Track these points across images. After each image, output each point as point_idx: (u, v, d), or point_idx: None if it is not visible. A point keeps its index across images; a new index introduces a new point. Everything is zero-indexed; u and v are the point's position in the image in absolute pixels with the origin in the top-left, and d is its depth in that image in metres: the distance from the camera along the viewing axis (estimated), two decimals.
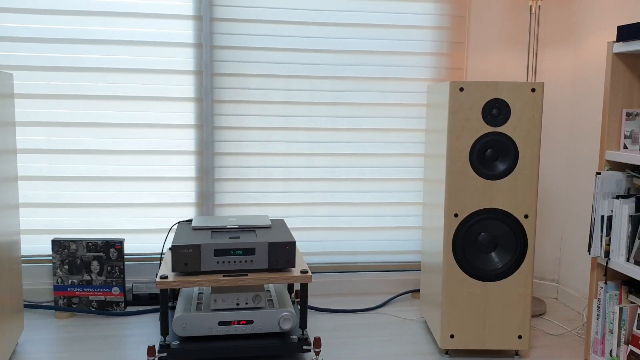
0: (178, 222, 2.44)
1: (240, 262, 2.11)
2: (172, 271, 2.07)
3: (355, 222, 2.91)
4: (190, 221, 2.46)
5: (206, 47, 2.69)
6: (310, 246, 2.90)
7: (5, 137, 2.22)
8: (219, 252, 2.09)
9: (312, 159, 2.85)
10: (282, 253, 2.12)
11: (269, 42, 2.75)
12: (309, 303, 2.78)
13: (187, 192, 2.78)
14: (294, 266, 2.14)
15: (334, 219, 2.89)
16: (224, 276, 2.08)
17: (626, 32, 2.01)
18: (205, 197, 2.77)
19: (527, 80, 2.60)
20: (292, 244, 2.12)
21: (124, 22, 2.64)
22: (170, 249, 2.25)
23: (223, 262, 2.10)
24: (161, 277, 2.05)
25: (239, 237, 2.17)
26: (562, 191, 2.90)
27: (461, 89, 2.11)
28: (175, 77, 2.71)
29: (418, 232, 2.95)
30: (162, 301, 2.07)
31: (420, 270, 2.95)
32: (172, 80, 2.71)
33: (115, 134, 2.70)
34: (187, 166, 2.76)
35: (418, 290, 2.92)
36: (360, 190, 2.89)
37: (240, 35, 2.73)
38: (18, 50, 2.60)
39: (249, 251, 2.11)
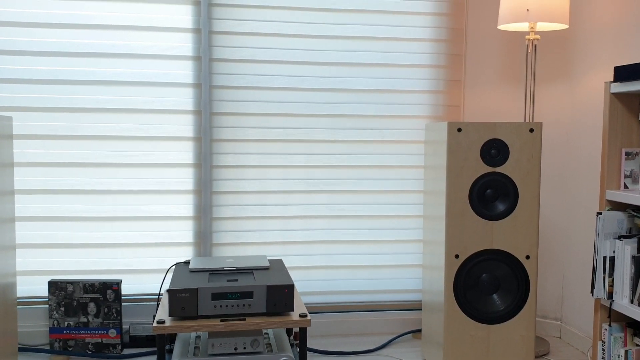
0: (176, 264, 2.41)
1: (238, 305, 2.08)
2: (169, 315, 2.04)
3: (355, 260, 2.88)
4: (187, 262, 2.44)
5: (205, 86, 2.70)
6: (309, 285, 2.86)
7: (3, 178, 2.21)
8: (216, 296, 2.06)
9: (311, 197, 2.83)
10: (280, 296, 2.09)
11: (267, 82, 2.76)
12: (308, 344, 2.73)
13: (185, 232, 2.76)
14: (292, 309, 2.11)
15: (333, 257, 2.87)
16: (221, 320, 2.05)
17: (623, 73, 2.02)
18: (203, 237, 2.75)
19: (525, 118, 2.60)
20: (291, 287, 2.09)
21: (123, 62, 2.66)
22: (167, 291, 2.22)
23: (221, 306, 2.07)
24: (158, 322, 2.02)
25: (236, 280, 2.14)
26: (562, 229, 2.88)
27: (459, 130, 2.11)
28: (174, 117, 2.71)
29: (418, 270, 2.92)
30: (159, 346, 2.03)
31: (421, 310, 2.91)
32: (171, 120, 2.71)
33: (113, 174, 2.69)
34: (185, 205, 2.75)
35: (419, 331, 2.87)
36: (359, 227, 2.87)
37: (239, 75, 2.74)
38: (16, 92, 2.60)
39: (247, 295, 2.08)
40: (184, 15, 2.68)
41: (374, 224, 2.88)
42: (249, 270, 2.28)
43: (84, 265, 2.71)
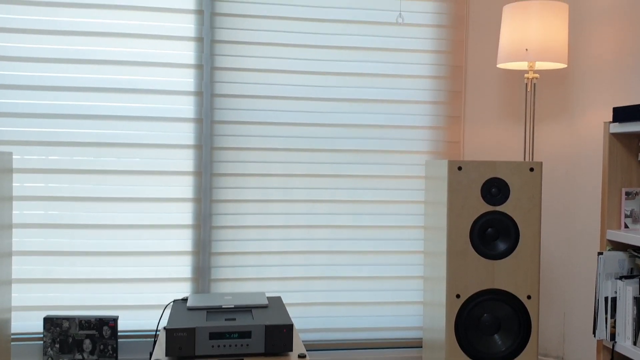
0: (173, 301, 2.39)
1: (236, 345, 2.05)
2: (166, 355, 2.01)
3: (355, 296, 2.85)
4: (185, 299, 2.41)
5: (206, 121, 2.71)
6: (308, 322, 2.83)
7: (1, 212, 2.20)
8: (214, 336, 2.03)
9: (311, 232, 2.82)
10: (279, 336, 2.06)
11: (268, 117, 2.77)
12: None
13: (184, 267, 2.74)
14: (291, 350, 2.08)
15: (333, 293, 2.84)
16: None
17: (622, 114, 2.03)
18: (202, 272, 2.73)
19: (524, 156, 2.60)
20: (290, 327, 2.07)
21: (124, 97, 2.67)
22: (164, 329, 2.20)
23: (218, 346, 2.04)
24: None
25: (234, 319, 2.12)
26: (564, 267, 2.86)
27: (459, 168, 2.11)
28: (174, 151, 2.71)
29: (419, 307, 2.89)
30: None
31: (421, 347, 2.87)
32: (171, 154, 2.71)
33: (112, 208, 2.68)
34: (184, 240, 2.73)
35: None
36: (359, 263, 2.85)
37: (240, 110, 2.75)
38: (16, 126, 2.61)
39: (245, 334, 2.05)
40: (186, 51, 2.70)
41: (374, 260, 2.86)
42: (247, 309, 2.25)
43: (81, 300, 2.68)
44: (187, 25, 2.70)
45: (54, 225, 2.65)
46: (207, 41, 2.70)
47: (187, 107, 2.71)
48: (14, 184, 2.62)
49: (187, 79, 2.71)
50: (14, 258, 2.63)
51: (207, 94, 2.71)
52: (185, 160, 2.73)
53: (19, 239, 2.64)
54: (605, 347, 2.11)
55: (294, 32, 2.78)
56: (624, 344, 2.02)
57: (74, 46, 2.64)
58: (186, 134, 2.72)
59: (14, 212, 2.62)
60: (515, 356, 2.15)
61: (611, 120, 2.10)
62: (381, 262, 2.86)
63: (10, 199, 2.38)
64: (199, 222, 2.74)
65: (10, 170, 2.34)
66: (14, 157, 2.61)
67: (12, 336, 2.62)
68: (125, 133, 2.68)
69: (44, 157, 2.64)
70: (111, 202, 2.69)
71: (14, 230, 2.63)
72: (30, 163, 2.63)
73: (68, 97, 2.64)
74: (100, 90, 2.66)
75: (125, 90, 2.67)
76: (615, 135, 2.10)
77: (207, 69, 2.71)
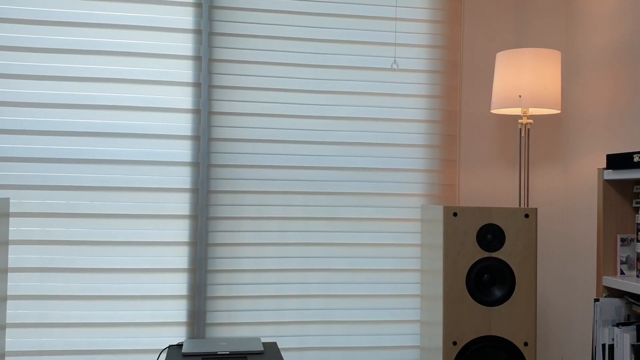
0: (169, 346, 2.37)
1: None
2: None
3: (351, 341, 2.83)
4: (180, 345, 2.39)
5: (203, 165, 2.73)
6: None
7: None
8: None
9: (307, 275, 2.81)
10: None
11: (264, 160, 2.79)
12: None
13: (178, 311, 2.72)
14: None
15: (329, 338, 2.82)
16: None
17: (615, 161, 2.06)
18: (197, 316, 2.71)
19: (519, 201, 2.62)
20: None
21: (119, 141, 2.69)
22: None
23: None
24: None
25: None
26: (560, 313, 2.85)
27: (455, 214, 2.13)
28: (170, 195, 2.72)
29: (416, 351, 2.86)
30: None
31: None
32: (167, 199, 2.72)
33: (108, 252, 2.68)
34: (179, 284, 2.72)
35: None
36: (355, 307, 2.83)
37: (236, 154, 2.77)
38: (13, 170, 2.62)
39: None
40: (185, 96, 2.74)
41: (370, 304, 2.85)
42: (242, 355, 2.24)
43: (76, 345, 2.65)
44: (186, 71, 2.74)
45: (49, 269, 2.64)
46: (205, 61, 2.74)
47: (184, 151, 2.74)
48: (10, 228, 2.62)
49: (185, 123, 2.74)
50: (8, 302, 2.61)
51: (204, 138, 2.74)
52: (182, 204, 2.73)
53: (14, 283, 2.62)
54: None
55: (290, 77, 2.82)
56: None
57: (72, 91, 2.67)
58: (183, 177, 2.73)
59: (9, 255, 2.61)
60: None
61: (605, 167, 2.13)
62: (378, 305, 2.85)
63: (6, 243, 2.37)
64: (194, 265, 2.74)
65: (7, 215, 2.34)
66: (11, 201, 2.62)
67: None
68: (122, 177, 2.70)
69: (40, 201, 2.64)
70: (107, 246, 2.68)
71: (9, 274, 2.62)
72: (27, 207, 2.63)
73: (65, 142, 2.66)
74: (96, 135, 2.68)
75: (122, 134, 2.70)
76: (610, 181, 2.12)
77: (204, 86, 2.74)
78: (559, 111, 2.57)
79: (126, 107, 2.70)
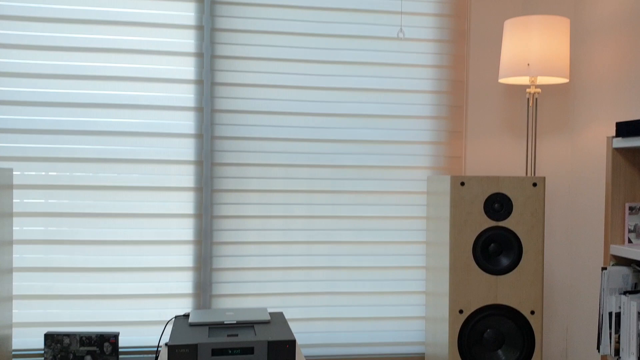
0: (175, 317, 2.37)
1: None
2: None
3: (356, 312, 2.84)
4: (187, 315, 2.40)
5: (207, 137, 2.71)
6: (310, 338, 2.81)
7: (2, 228, 2.19)
8: (216, 352, 2.02)
9: (312, 248, 2.81)
10: (281, 352, 2.05)
11: (269, 132, 2.77)
12: None
13: (185, 283, 2.72)
14: None
15: (334, 309, 2.83)
16: None
17: (625, 129, 2.03)
18: (203, 288, 2.72)
19: (526, 171, 2.61)
20: (292, 343, 2.06)
21: (124, 113, 2.67)
22: (166, 346, 2.18)
23: None
24: None
25: (237, 335, 2.10)
26: (567, 283, 2.85)
27: (462, 184, 2.11)
28: (175, 167, 2.71)
29: (421, 322, 2.87)
30: None
31: None
32: (172, 170, 2.71)
33: (112, 224, 2.68)
34: (185, 256, 2.72)
35: None
36: (361, 278, 2.84)
37: (241, 126, 2.75)
38: (17, 142, 2.61)
39: (248, 350, 2.04)
40: (187, 67, 2.71)
41: (375, 275, 2.85)
42: (249, 325, 2.24)
43: (82, 317, 2.66)
44: (188, 41, 2.71)
45: (54, 241, 2.64)
46: (207, 56, 2.71)
47: (187, 122, 2.72)
48: (14, 200, 2.61)
49: (187, 95, 2.71)
50: (14, 274, 2.62)
51: (207, 109, 2.71)
52: (186, 176, 2.72)
53: (19, 255, 2.62)
54: None
55: (294, 47, 2.79)
56: (628, 359, 2.01)
57: (74, 62, 2.64)
58: (187, 149, 2.72)
59: (14, 228, 2.61)
60: None
61: (614, 135, 2.11)
62: (383, 277, 2.85)
63: (10, 215, 2.37)
64: (199, 238, 2.73)
65: (10, 187, 2.33)
66: (14, 173, 2.61)
67: (13, 352, 2.60)
68: (126, 149, 2.68)
69: (43, 173, 2.63)
70: (111, 218, 2.68)
71: (14, 246, 2.62)
72: (30, 179, 2.63)
73: (68, 113, 2.64)
74: (100, 107, 2.66)
75: (126, 106, 2.68)
76: (619, 150, 2.10)
77: (207, 84, 2.71)
78: (567, 80, 2.54)
79: (128, 78, 2.68)
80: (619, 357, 2.03)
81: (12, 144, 2.61)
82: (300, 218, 2.80)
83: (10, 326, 2.36)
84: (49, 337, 2.50)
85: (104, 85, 2.66)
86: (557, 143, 2.87)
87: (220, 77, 2.74)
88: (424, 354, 2.86)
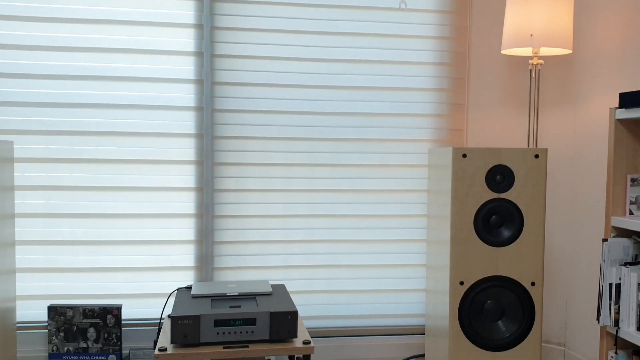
0: (177, 289, 2.39)
1: (241, 332, 2.05)
2: (171, 342, 2.02)
3: (357, 284, 2.86)
4: (189, 288, 2.41)
5: (207, 110, 2.70)
6: (310, 310, 2.84)
7: (3, 201, 2.20)
8: (219, 323, 2.04)
9: (313, 221, 2.82)
10: (283, 323, 2.07)
11: (269, 105, 2.76)
12: None
13: (186, 256, 2.73)
14: (295, 336, 2.08)
15: (335, 281, 2.84)
16: (224, 348, 2.02)
17: (628, 100, 2.02)
18: (205, 261, 2.73)
19: (528, 143, 2.60)
20: (294, 314, 2.07)
21: (125, 85, 2.65)
22: (169, 317, 2.20)
23: (223, 333, 2.04)
24: (160, 350, 1.99)
25: (239, 306, 2.12)
26: (567, 254, 2.87)
27: (464, 155, 2.11)
28: (176, 140, 2.70)
29: (421, 294, 2.89)
30: None
31: (423, 334, 2.88)
32: (173, 143, 2.70)
33: (114, 198, 2.68)
34: (187, 229, 2.73)
35: (422, 355, 2.84)
36: (361, 252, 2.85)
37: (241, 99, 2.74)
38: (17, 115, 2.60)
39: (250, 321, 2.06)
40: (186, 38, 2.68)
41: (376, 248, 2.86)
42: (251, 296, 2.25)
43: (84, 289, 2.68)
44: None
45: (56, 214, 2.65)
46: (207, 28, 2.68)
47: (187, 95, 2.70)
48: (15, 174, 2.61)
49: (187, 67, 2.69)
50: (17, 247, 2.63)
51: (207, 82, 2.70)
52: (187, 149, 2.71)
53: (22, 229, 2.63)
54: (608, 333, 2.11)
55: (295, 18, 2.75)
56: (627, 329, 2.03)
57: (75, 34, 2.62)
58: (187, 122, 2.71)
59: (15, 201, 2.61)
60: (519, 343, 2.15)
61: (617, 106, 2.09)
62: (383, 250, 2.86)
63: (12, 188, 2.37)
64: (201, 211, 2.74)
65: (11, 160, 2.32)
66: (14, 146, 2.60)
67: (18, 324, 2.62)
68: (126, 122, 2.67)
69: (44, 147, 2.63)
70: (113, 192, 2.68)
71: (16, 219, 2.62)
72: (31, 152, 2.62)
73: (69, 86, 2.62)
74: (101, 79, 2.64)
75: (127, 78, 2.66)
76: (621, 121, 2.08)
77: (207, 55, 2.69)
78: (570, 51, 2.52)
79: (130, 50, 2.65)
80: (619, 328, 2.05)
81: (11, 117, 2.60)
82: (301, 191, 2.80)
83: (14, 299, 2.37)
84: (53, 310, 2.52)
85: (105, 57, 2.64)
86: (560, 115, 2.85)
87: (220, 49, 2.71)
88: (424, 326, 2.89)
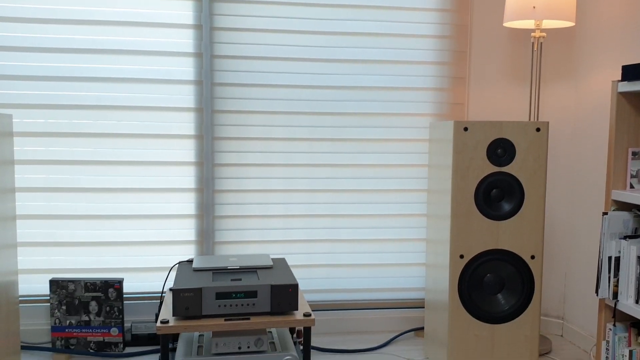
0: (179, 262, 2.40)
1: (242, 305, 2.07)
2: (173, 315, 2.03)
3: (357, 258, 2.87)
4: (191, 261, 2.42)
5: (207, 83, 2.68)
6: (311, 284, 2.85)
7: (4, 175, 2.19)
8: (220, 296, 2.05)
9: (313, 195, 2.82)
10: (284, 296, 2.08)
11: (270, 79, 2.74)
12: None
13: (187, 230, 2.74)
14: (296, 309, 2.10)
15: (335, 255, 2.86)
16: (225, 320, 2.03)
17: (631, 72, 2.00)
18: (206, 235, 2.74)
19: (529, 117, 2.59)
20: (295, 287, 2.08)
21: (124, 59, 2.63)
22: (171, 290, 2.21)
23: (225, 306, 2.05)
24: (162, 322, 2.01)
25: (240, 280, 2.13)
26: (566, 228, 2.87)
27: (465, 129, 2.10)
28: (176, 114, 2.69)
29: (421, 268, 2.91)
30: (162, 346, 2.02)
31: (423, 308, 2.90)
32: (173, 117, 2.69)
33: (114, 172, 2.67)
34: (187, 204, 2.73)
35: (421, 329, 2.87)
36: (361, 226, 2.86)
37: (241, 72, 2.72)
38: (16, 89, 2.58)
39: (251, 294, 2.07)
40: (186, 11, 2.66)
41: (376, 223, 2.87)
42: (252, 270, 2.26)
43: (86, 263, 2.69)
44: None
45: (57, 189, 2.65)
46: (206, 1, 2.65)
47: (187, 68, 2.68)
48: (14, 148, 2.60)
49: (186, 40, 2.67)
50: (18, 222, 2.63)
51: (207, 55, 2.67)
52: (187, 123, 2.70)
53: (23, 203, 2.63)
54: (607, 306, 2.13)
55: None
56: (626, 302, 2.04)
57: (74, 7, 2.59)
58: (187, 96, 2.69)
59: (16, 176, 2.61)
60: (518, 315, 2.17)
61: (619, 79, 2.08)
62: (383, 224, 2.87)
63: (12, 162, 2.36)
64: (201, 185, 2.74)
65: (10, 134, 2.31)
66: (14, 120, 2.59)
67: (20, 298, 2.64)
68: (126, 96, 2.66)
69: (43, 121, 2.61)
70: (113, 166, 2.67)
71: (16, 194, 2.62)
72: (31, 126, 2.61)
73: (68, 59, 2.61)
74: (100, 52, 2.62)
75: (126, 52, 2.63)
76: (624, 94, 2.07)
77: (206, 29, 2.67)
78: (573, 23, 2.49)
79: (128, 23, 2.62)
80: (617, 300, 2.06)
81: (11, 91, 2.58)
82: (301, 166, 2.80)
83: (15, 272, 2.38)
84: (54, 283, 2.54)
85: (104, 30, 2.61)
86: (561, 89, 2.84)
87: (220, 22, 2.69)
88: (423, 299, 2.91)
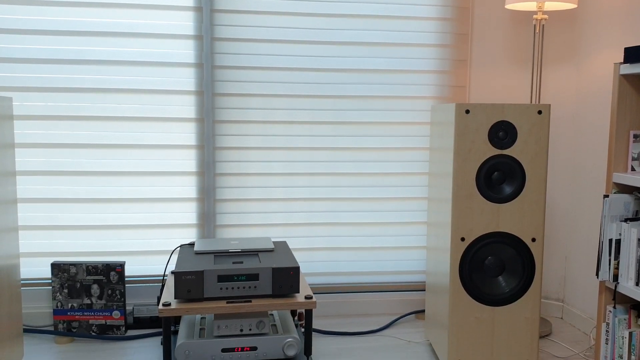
0: (180, 246, 2.40)
1: (244, 287, 2.07)
2: (175, 298, 2.04)
3: (358, 242, 2.88)
4: (192, 244, 2.43)
5: (207, 66, 2.67)
6: (312, 267, 2.86)
7: (4, 159, 2.19)
8: (222, 278, 2.05)
9: (314, 179, 2.82)
10: (286, 278, 2.09)
11: (271, 62, 2.73)
12: None
13: (188, 213, 2.74)
14: (298, 292, 2.11)
15: (336, 239, 2.86)
16: (227, 303, 2.04)
17: (633, 54, 1.99)
18: (207, 218, 2.74)
19: (531, 100, 2.58)
20: (296, 269, 2.09)
21: (124, 41, 2.62)
22: (173, 273, 2.22)
23: (226, 288, 2.06)
24: (164, 305, 2.02)
25: (242, 262, 2.13)
26: (567, 211, 2.88)
27: (467, 111, 2.09)
28: (176, 97, 2.68)
29: (421, 251, 2.92)
30: (164, 328, 2.03)
31: (424, 291, 2.91)
32: (173, 101, 2.68)
33: (115, 155, 2.67)
34: (188, 187, 2.73)
35: (422, 311, 2.88)
36: (362, 209, 2.86)
37: (242, 55, 2.70)
38: (16, 72, 2.57)
39: (253, 277, 2.07)
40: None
41: (377, 206, 2.87)
42: (254, 253, 2.27)
43: (87, 247, 2.70)
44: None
45: (58, 172, 2.65)
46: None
47: (187, 51, 2.66)
48: (15, 131, 2.59)
49: (187, 22, 2.65)
50: (19, 205, 2.63)
51: (207, 38, 2.66)
52: (187, 107, 2.70)
53: (24, 187, 2.63)
54: (607, 288, 2.13)
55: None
56: (626, 284, 2.05)
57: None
58: (187, 79, 2.68)
59: (16, 159, 2.61)
60: (519, 297, 2.18)
61: (622, 61, 2.07)
62: (384, 208, 2.87)
63: (12, 146, 2.35)
64: (202, 169, 2.73)
65: (11, 117, 2.30)
66: (14, 103, 2.58)
67: (22, 281, 2.65)
68: (126, 79, 2.64)
69: (43, 104, 2.60)
70: (114, 149, 2.67)
71: (17, 177, 2.62)
72: (31, 110, 2.60)
73: (68, 42, 2.59)
74: (101, 35, 2.61)
75: (126, 34, 2.62)
76: (626, 76, 2.06)
77: (206, 12, 2.65)
78: (575, 5, 2.47)
79: (128, 5, 2.60)
80: (618, 283, 2.07)
81: (11, 74, 2.57)
82: (302, 150, 2.79)
83: (17, 256, 2.39)
84: (56, 267, 2.54)
85: (104, 12, 2.60)
86: (563, 71, 2.82)
87: (221, 4, 2.67)
88: (424, 282, 2.92)
